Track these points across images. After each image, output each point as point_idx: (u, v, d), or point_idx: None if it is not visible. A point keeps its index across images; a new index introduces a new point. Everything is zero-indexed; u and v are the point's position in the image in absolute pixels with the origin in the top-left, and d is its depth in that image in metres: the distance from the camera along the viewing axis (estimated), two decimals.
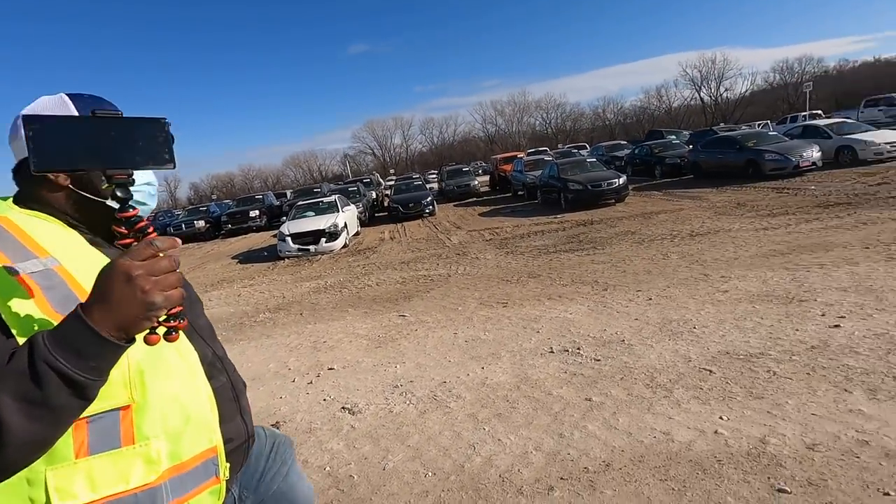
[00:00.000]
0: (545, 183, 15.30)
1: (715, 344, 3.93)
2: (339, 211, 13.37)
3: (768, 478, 2.37)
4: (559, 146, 43.23)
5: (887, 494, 2.16)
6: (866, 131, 14.58)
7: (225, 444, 0.99)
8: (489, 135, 74.92)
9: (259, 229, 21.23)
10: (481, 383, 3.84)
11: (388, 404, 3.72)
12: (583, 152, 25.64)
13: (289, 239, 12.16)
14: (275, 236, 14.22)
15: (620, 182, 13.33)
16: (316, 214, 13.51)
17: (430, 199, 17.25)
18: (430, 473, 2.79)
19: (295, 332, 5.99)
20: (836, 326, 3.90)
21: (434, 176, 36.41)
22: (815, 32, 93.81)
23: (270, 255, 13.41)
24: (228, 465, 1.00)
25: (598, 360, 3.94)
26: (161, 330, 0.75)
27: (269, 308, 7.48)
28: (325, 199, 14.55)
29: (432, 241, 11.81)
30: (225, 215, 22.11)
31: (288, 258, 12.15)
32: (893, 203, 8.35)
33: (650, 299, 5.27)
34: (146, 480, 0.83)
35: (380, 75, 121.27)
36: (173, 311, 0.74)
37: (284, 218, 14.78)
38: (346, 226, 12.92)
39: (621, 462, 2.64)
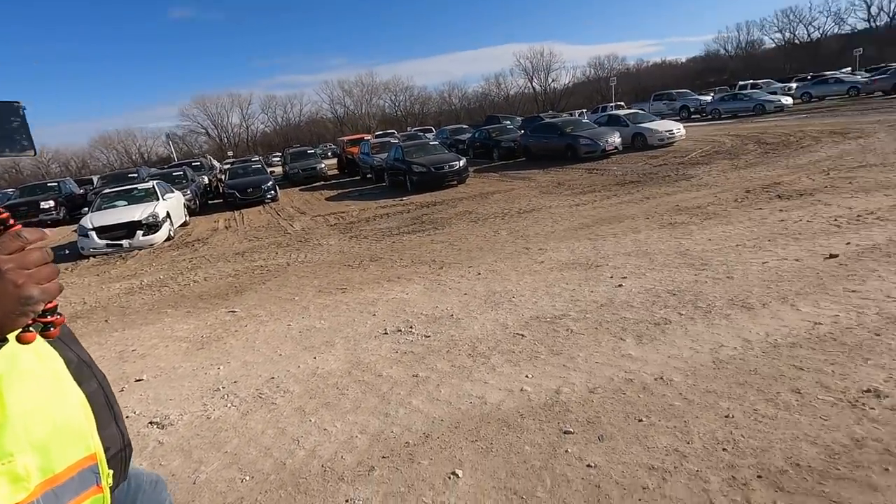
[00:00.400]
0: (391, 166, 15.37)
1: (528, 310, 4.38)
2: (159, 199, 11.71)
3: (558, 423, 2.72)
4: (408, 129, 43.87)
5: (640, 420, 2.63)
6: (652, 121, 17.52)
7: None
8: (338, 116, 72.70)
9: (56, 223, 17.61)
10: (312, 374, 3.72)
11: (206, 411, 3.39)
12: (429, 135, 26.32)
13: (93, 234, 10.30)
14: (76, 231, 11.92)
15: (461, 164, 14.01)
16: (129, 203, 11.65)
17: (271, 183, 16.11)
18: (247, 478, 2.62)
19: (96, 343, 5.11)
20: (620, 286, 4.64)
21: (278, 159, 34.15)
22: (619, 34, 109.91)
23: (73, 253, 11.23)
24: (111, 471, 0.93)
25: (428, 337, 4.10)
26: (37, 326, 0.70)
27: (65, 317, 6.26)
28: (141, 186, 12.62)
29: (273, 229, 11.09)
30: (2, 208, 17.78)
31: (94, 256, 10.32)
32: (669, 181, 10.20)
33: (479, 274, 5.65)
34: (15, 500, 0.75)
35: (210, 45, 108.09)
36: (49, 305, 0.71)
37: (87, 209, 12.47)
38: (168, 215, 11.39)
39: (440, 431, 2.79)
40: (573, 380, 3.13)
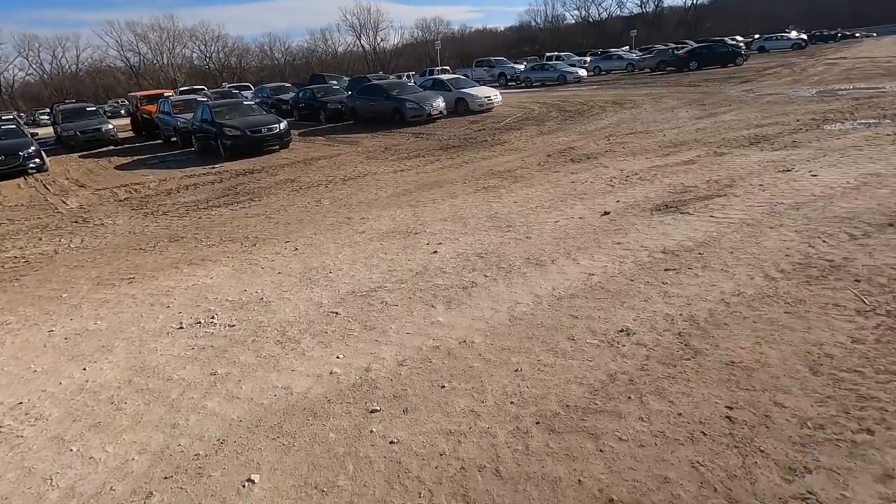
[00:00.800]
0: (199, 128, 13.46)
1: (345, 285, 4.24)
2: None
3: (366, 402, 2.68)
4: (223, 85, 39.12)
5: (443, 387, 2.74)
6: (473, 87, 18.39)
7: None
8: (132, 66, 61.09)
9: None
10: (79, 389, 3.07)
11: None
12: (246, 94, 23.75)
13: None
14: None
15: (282, 127, 12.91)
16: None
17: (33, 149, 12.81)
18: None
19: None
20: (435, 252, 4.78)
21: (48, 118, 27.50)
22: None
23: None
24: None
25: (233, 326, 3.70)
26: None
27: None
28: None
29: (37, 208, 8.88)
30: None
31: None
32: (486, 146, 10.86)
33: (297, 249, 5.30)
34: None
35: None
36: None
37: None
38: None
39: (238, 434, 2.53)
40: (384, 354, 3.12)
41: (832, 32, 46.15)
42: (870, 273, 3.46)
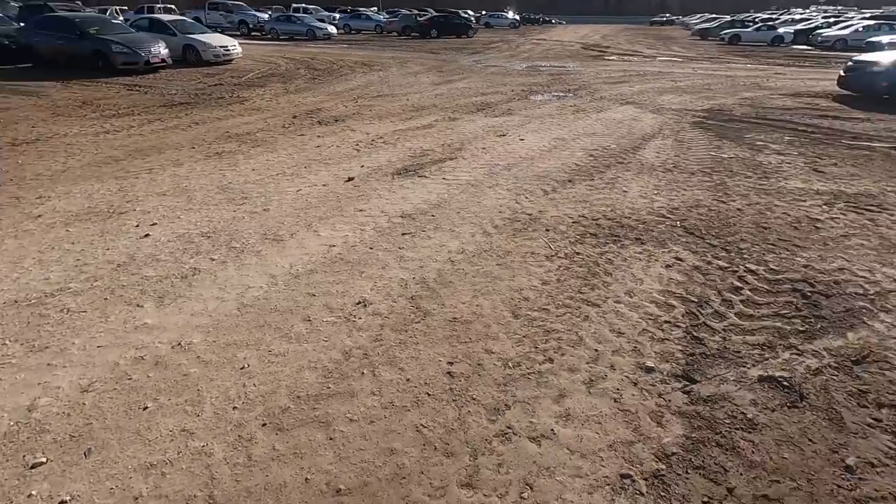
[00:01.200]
0: None
1: (4, 293, 3.11)
2: None
3: (24, 456, 1.99)
4: None
5: (146, 408, 2.23)
6: (205, 33, 15.88)
7: None
8: None
9: None
10: None
11: None
12: None
13: None
14: None
15: None
16: None
17: None
18: None
19: None
20: (147, 236, 3.92)
21: None
22: None
23: None
24: None
25: None
26: None
27: None
28: None
29: None
30: None
31: None
32: (223, 103, 9.53)
33: None
34: None
35: None
36: None
37: None
38: None
39: None
40: (60, 382, 2.38)
41: (537, 17, 55.74)
42: (556, 223, 4.22)
